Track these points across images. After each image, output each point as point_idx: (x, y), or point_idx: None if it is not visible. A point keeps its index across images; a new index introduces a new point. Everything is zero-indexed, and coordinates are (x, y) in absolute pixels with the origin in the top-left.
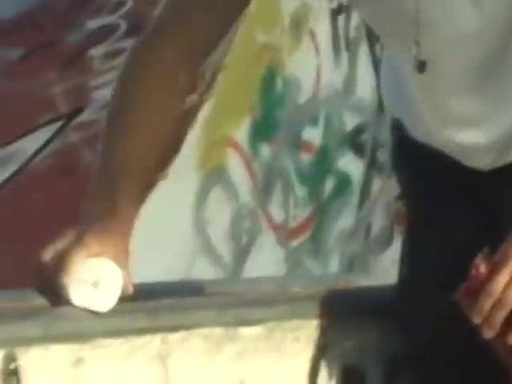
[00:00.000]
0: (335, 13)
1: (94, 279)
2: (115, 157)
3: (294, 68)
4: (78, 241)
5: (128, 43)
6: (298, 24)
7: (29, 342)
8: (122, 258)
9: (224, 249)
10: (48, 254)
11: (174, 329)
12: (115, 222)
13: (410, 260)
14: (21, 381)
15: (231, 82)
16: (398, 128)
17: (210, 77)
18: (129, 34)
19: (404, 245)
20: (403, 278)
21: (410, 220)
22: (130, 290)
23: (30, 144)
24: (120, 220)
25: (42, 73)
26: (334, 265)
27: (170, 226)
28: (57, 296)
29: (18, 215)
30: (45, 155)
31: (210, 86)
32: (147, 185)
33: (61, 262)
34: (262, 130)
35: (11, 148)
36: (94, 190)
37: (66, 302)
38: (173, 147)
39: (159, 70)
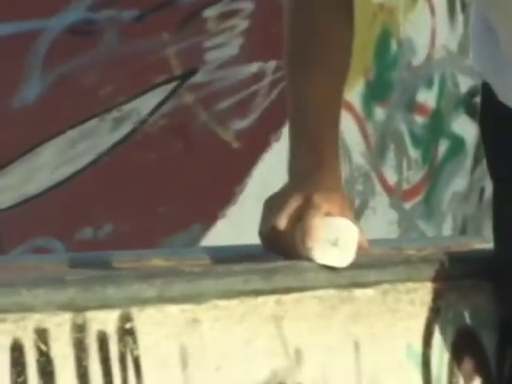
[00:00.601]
0: None
1: (335, 237)
2: (308, 106)
3: (409, 29)
4: (309, 202)
5: (242, 4)
6: None
7: (144, 302)
8: (350, 214)
9: None
10: (282, 220)
11: (289, 290)
12: (329, 177)
13: (498, 224)
14: (137, 340)
15: None
16: (487, 92)
17: None
18: None
19: (493, 209)
20: (497, 245)
21: (495, 184)
22: (366, 244)
23: (144, 104)
24: (331, 173)
25: (157, 34)
26: (447, 228)
27: None
28: (289, 257)
29: (132, 175)
30: (158, 116)
31: None
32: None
33: (298, 226)
34: (376, 92)
35: (126, 108)
36: (295, 146)
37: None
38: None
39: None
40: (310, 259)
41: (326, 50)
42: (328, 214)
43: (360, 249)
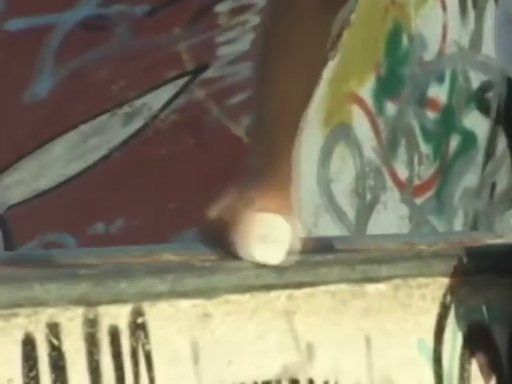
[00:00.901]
0: None
1: (264, 234)
2: (270, 109)
3: (421, 25)
4: (244, 197)
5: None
6: None
7: (156, 297)
8: (287, 213)
9: (348, 206)
10: (215, 212)
11: (301, 285)
12: (276, 177)
13: None
14: (148, 335)
15: (357, 38)
16: (511, 88)
17: (335, 34)
18: None
19: None
20: None
21: None
22: (298, 244)
23: (156, 100)
24: (280, 174)
25: (168, 29)
26: (458, 223)
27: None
28: (223, 251)
29: (143, 170)
30: (170, 111)
31: (335, 43)
32: (297, 137)
33: (229, 219)
34: (387, 87)
35: (137, 103)
36: (254, 145)
37: (233, 256)
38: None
39: (296, 22)
40: (235, 254)
41: (298, 55)
42: (263, 211)
43: (291, 249)
